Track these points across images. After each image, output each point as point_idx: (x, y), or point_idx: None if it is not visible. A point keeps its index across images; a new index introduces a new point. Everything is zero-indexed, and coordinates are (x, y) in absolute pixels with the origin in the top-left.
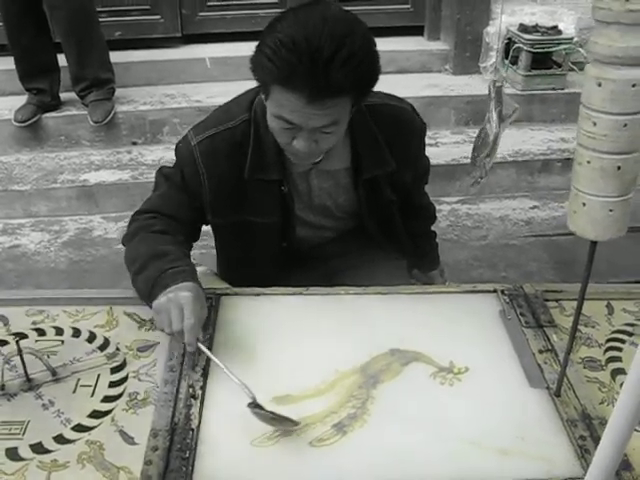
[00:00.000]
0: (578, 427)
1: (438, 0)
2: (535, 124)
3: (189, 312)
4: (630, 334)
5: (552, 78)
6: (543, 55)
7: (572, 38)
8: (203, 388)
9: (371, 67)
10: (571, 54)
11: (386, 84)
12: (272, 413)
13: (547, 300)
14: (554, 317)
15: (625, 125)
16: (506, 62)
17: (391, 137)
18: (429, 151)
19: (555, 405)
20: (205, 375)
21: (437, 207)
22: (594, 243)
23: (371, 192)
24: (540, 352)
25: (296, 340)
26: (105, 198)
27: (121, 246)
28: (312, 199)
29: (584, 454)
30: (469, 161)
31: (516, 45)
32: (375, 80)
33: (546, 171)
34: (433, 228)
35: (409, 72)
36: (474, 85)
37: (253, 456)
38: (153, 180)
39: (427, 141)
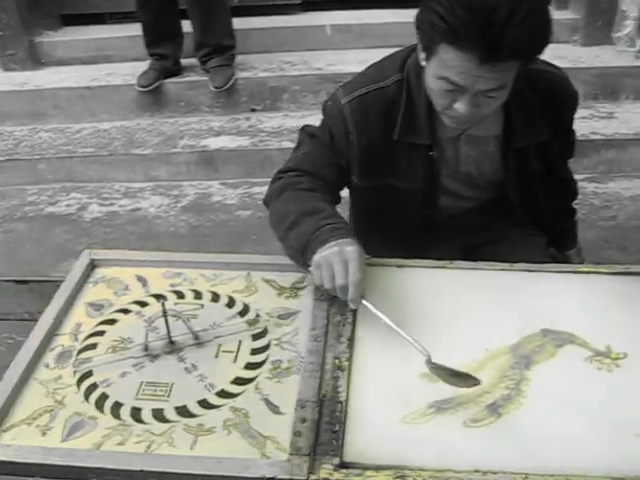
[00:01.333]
0: None
1: None
2: None
3: (355, 267)
4: None
5: None
6: None
7: None
8: (350, 360)
9: (546, 28)
10: None
11: None
12: (451, 369)
13: None
14: None
15: None
16: None
17: (546, 105)
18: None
19: None
20: (351, 347)
21: None
22: None
23: (519, 162)
24: None
25: (441, 315)
26: (224, 164)
27: (240, 212)
28: (458, 166)
29: None
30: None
31: None
32: (548, 42)
33: None
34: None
35: None
36: (605, 57)
37: (404, 432)
38: (272, 147)
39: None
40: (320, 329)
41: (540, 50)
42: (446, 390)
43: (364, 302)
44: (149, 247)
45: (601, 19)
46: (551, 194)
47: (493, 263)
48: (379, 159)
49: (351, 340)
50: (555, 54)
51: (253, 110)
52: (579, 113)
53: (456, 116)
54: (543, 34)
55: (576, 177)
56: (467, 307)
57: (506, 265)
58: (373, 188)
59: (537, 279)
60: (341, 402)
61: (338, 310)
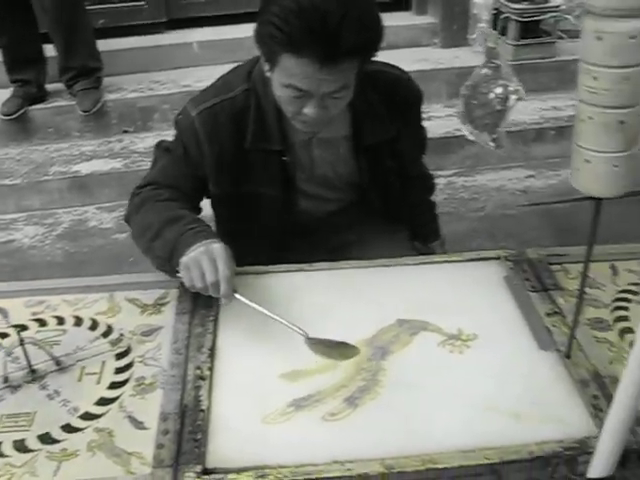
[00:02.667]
0: (590, 387)
1: None
2: (527, 94)
3: (223, 262)
4: (636, 293)
5: (541, 47)
6: (532, 24)
7: (559, 6)
8: (211, 369)
9: (378, 26)
10: (559, 22)
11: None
12: (329, 341)
13: (551, 264)
14: (559, 280)
15: (626, 78)
16: (495, 33)
17: (390, 104)
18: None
19: (566, 367)
20: (212, 356)
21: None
22: (599, 201)
23: (371, 161)
24: (548, 315)
25: (301, 317)
26: (98, 188)
27: (117, 236)
28: (314, 169)
29: (597, 413)
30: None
31: (504, 15)
32: (381, 40)
33: (540, 140)
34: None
35: (398, 47)
36: (463, 57)
37: (265, 433)
38: (146, 168)
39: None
40: (182, 342)
41: (375, 48)
42: (305, 388)
43: (237, 296)
44: (24, 279)
45: (456, 23)
46: (409, 190)
47: (352, 262)
48: (233, 168)
49: (212, 350)
50: (418, 57)
51: (125, 132)
52: (444, 111)
53: (307, 120)
54: (375, 33)
55: (445, 172)
56: (325, 306)
57: (364, 262)
58: (231, 196)
59: (394, 273)
60: (203, 411)
61: (200, 322)
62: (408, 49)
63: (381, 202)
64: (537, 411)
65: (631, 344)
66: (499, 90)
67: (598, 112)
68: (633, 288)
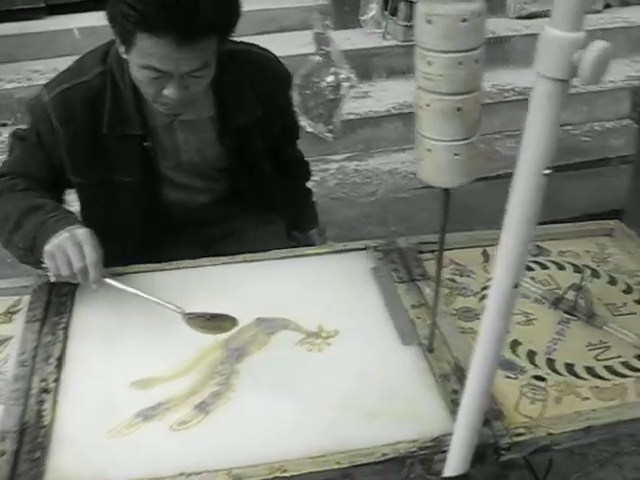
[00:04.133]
0: (451, 381)
1: None
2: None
3: (89, 247)
4: None
5: None
6: None
7: None
8: (57, 381)
9: (236, 3)
10: None
11: (268, 44)
12: (207, 314)
13: (423, 252)
14: (429, 270)
15: (460, 63)
16: (386, 13)
17: (257, 83)
18: None
19: (428, 361)
20: (60, 366)
21: (324, 166)
22: (446, 191)
23: (240, 144)
24: (413, 307)
25: (156, 320)
26: None
27: None
28: (179, 155)
29: (456, 408)
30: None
31: None
32: (239, 15)
33: None
34: (315, 188)
35: (290, 30)
36: (355, 39)
37: (110, 447)
38: None
39: None
40: (29, 353)
41: (233, 24)
42: (156, 396)
43: (107, 280)
44: None
45: (348, 4)
46: (283, 177)
47: (214, 258)
48: (90, 154)
49: (60, 359)
50: (310, 39)
51: (3, 125)
52: None
53: (168, 102)
54: (233, 9)
55: (337, 157)
56: (188, 306)
57: (226, 259)
58: (91, 184)
59: (258, 268)
60: (44, 427)
61: (50, 330)
62: (300, 31)
63: (254, 190)
64: (393, 409)
65: None
66: (330, 78)
67: (435, 99)
68: None
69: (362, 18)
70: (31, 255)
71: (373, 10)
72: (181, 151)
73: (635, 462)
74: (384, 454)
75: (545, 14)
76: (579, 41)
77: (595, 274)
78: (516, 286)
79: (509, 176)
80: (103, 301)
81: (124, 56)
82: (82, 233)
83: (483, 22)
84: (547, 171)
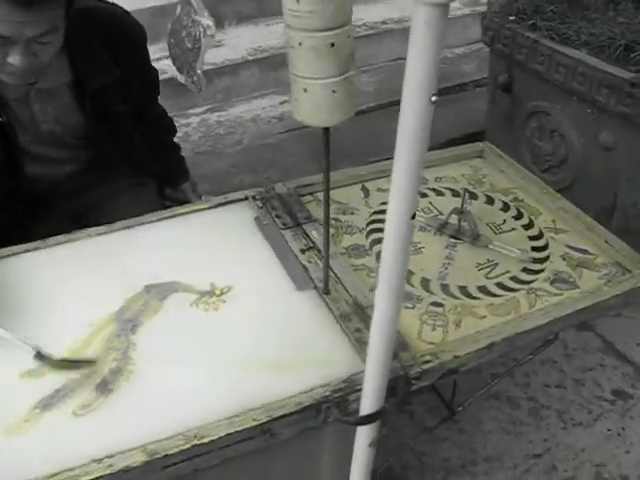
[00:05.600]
0: (352, 320)
1: None
2: (270, 18)
3: None
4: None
5: None
6: None
7: None
8: None
9: None
10: None
11: None
12: (62, 360)
13: (302, 195)
14: (311, 212)
15: None
16: None
17: (111, 41)
18: (165, 64)
19: (326, 303)
20: None
21: (185, 120)
22: (327, 130)
23: (100, 107)
24: (302, 252)
25: (41, 302)
26: None
27: None
28: (38, 127)
29: (362, 347)
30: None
31: None
32: None
33: None
34: (180, 144)
35: None
36: None
37: (9, 446)
38: None
39: (162, 54)
40: None
41: None
42: (52, 383)
43: None
44: None
45: None
46: (148, 135)
47: (89, 229)
48: None
49: None
50: None
51: None
52: None
53: (14, 72)
54: None
55: (198, 110)
56: (65, 284)
57: (103, 228)
58: None
59: (137, 234)
60: None
61: None
62: None
63: (120, 154)
64: (300, 357)
65: None
66: (190, 28)
67: (306, 37)
68: (385, 207)
69: None
70: None
71: None
72: (39, 122)
73: (524, 369)
74: (298, 403)
75: None
76: None
77: (473, 196)
78: (413, 217)
79: (371, 111)
80: None
81: None
82: None
83: None
84: (434, 98)
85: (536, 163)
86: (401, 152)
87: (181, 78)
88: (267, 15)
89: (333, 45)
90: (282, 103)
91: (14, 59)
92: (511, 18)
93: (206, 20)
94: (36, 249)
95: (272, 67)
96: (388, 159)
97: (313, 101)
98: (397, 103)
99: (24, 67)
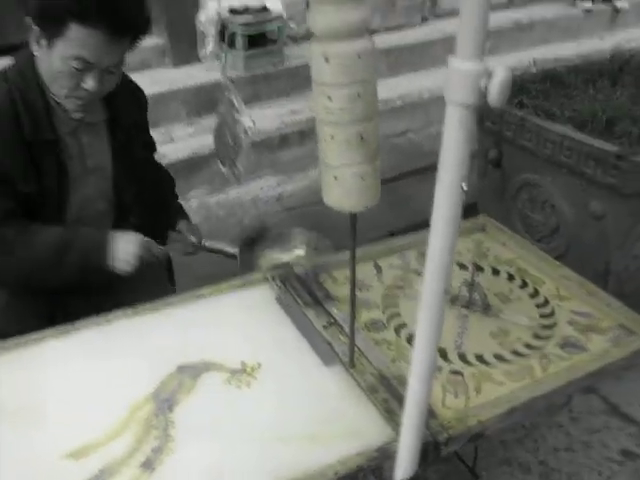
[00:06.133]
0: (379, 391)
1: None
2: (264, 102)
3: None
4: (400, 287)
5: (270, 55)
6: (258, 35)
7: (281, 15)
8: None
9: (149, 11)
10: (283, 29)
11: None
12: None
13: (318, 274)
14: (329, 290)
15: (359, 95)
16: (224, 47)
17: (130, 95)
18: (167, 148)
19: (352, 376)
20: None
21: (186, 203)
22: (354, 215)
23: (127, 146)
24: (325, 328)
25: (75, 386)
26: None
27: None
28: (85, 161)
29: (392, 416)
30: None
31: (230, 29)
32: (150, 22)
33: (285, 145)
34: None
35: (129, 71)
36: (197, 74)
37: None
38: None
39: (162, 138)
40: None
41: (148, 27)
42: (93, 465)
43: None
44: None
45: (184, 41)
46: (160, 183)
47: (117, 313)
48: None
49: None
50: (151, 79)
51: None
52: (184, 130)
53: (84, 97)
54: (149, 15)
55: (197, 193)
56: (100, 368)
57: (129, 311)
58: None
59: (163, 316)
60: None
61: None
62: (139, 72)
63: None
64: (331, 428)
65: (408, 339)
66: (232, 126)
67: (338, 131)
68: (398, 283)
69: (201, 53)
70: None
71: (210, 45)
72: (87, 155)
73: (533, 434)
74: (336, 472)
75: None
76: (484, 70)
77: (479, 268)
78: (446, 292)
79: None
80: (19, 378)
81: (37, 53)
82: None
83: (374, 56)
84: (465, 186)
85: (529, 233)
86: (436, 235)
87: (223, 169)
88: (262, 100)
89: (362, 137)
90: (279, 184)
91: (88, 85)
92: None
93: (248, 122)
94: (64, 333)
95: (269, 149)
96: (392, 235)
97: (343, 188)
98: (392, 180)
99: (95, 93)
